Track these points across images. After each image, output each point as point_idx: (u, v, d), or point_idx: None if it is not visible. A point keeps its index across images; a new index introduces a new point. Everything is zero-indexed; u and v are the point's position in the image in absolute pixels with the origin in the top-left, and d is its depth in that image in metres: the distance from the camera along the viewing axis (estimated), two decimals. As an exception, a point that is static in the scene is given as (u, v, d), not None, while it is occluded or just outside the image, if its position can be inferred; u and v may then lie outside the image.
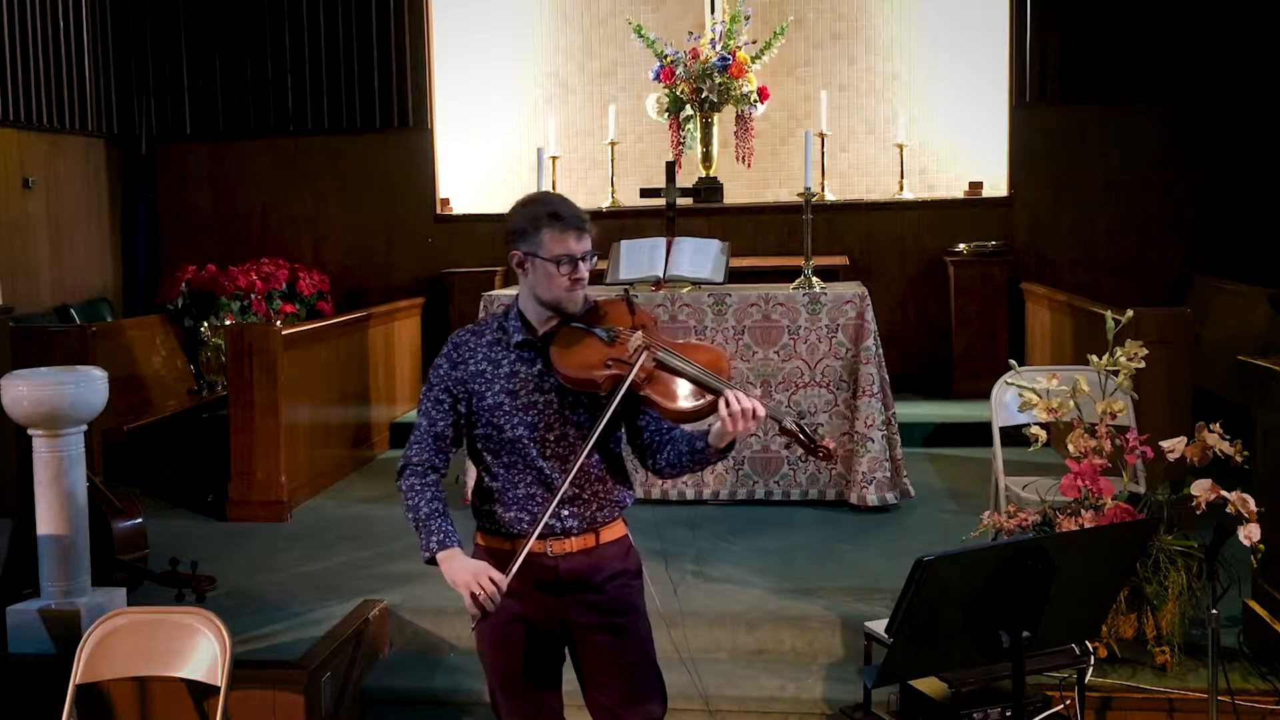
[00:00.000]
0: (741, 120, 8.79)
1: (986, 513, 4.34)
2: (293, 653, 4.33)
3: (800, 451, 3.04)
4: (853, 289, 6.27)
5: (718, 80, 8.64)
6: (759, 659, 4.53)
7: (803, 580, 4.98)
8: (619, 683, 3.07)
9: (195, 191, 9.70)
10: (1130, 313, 4.53)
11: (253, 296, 8.30)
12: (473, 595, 2.82)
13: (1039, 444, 4.20)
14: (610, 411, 2.91)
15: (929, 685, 3.61)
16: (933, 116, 9.21)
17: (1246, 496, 3.80)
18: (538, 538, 2.92)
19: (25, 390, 4.28)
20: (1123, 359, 4.26)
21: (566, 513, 3.00)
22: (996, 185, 9.15)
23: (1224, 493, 3.82)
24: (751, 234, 8.91)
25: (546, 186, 7.67)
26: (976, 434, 6.98)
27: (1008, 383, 4.75)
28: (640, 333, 2.99)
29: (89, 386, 4.36)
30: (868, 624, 4.04)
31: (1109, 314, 4.42)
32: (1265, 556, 3.89)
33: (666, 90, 8.82)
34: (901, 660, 2.78)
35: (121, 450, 6.84)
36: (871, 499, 5.97)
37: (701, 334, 6.16)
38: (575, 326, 3.01)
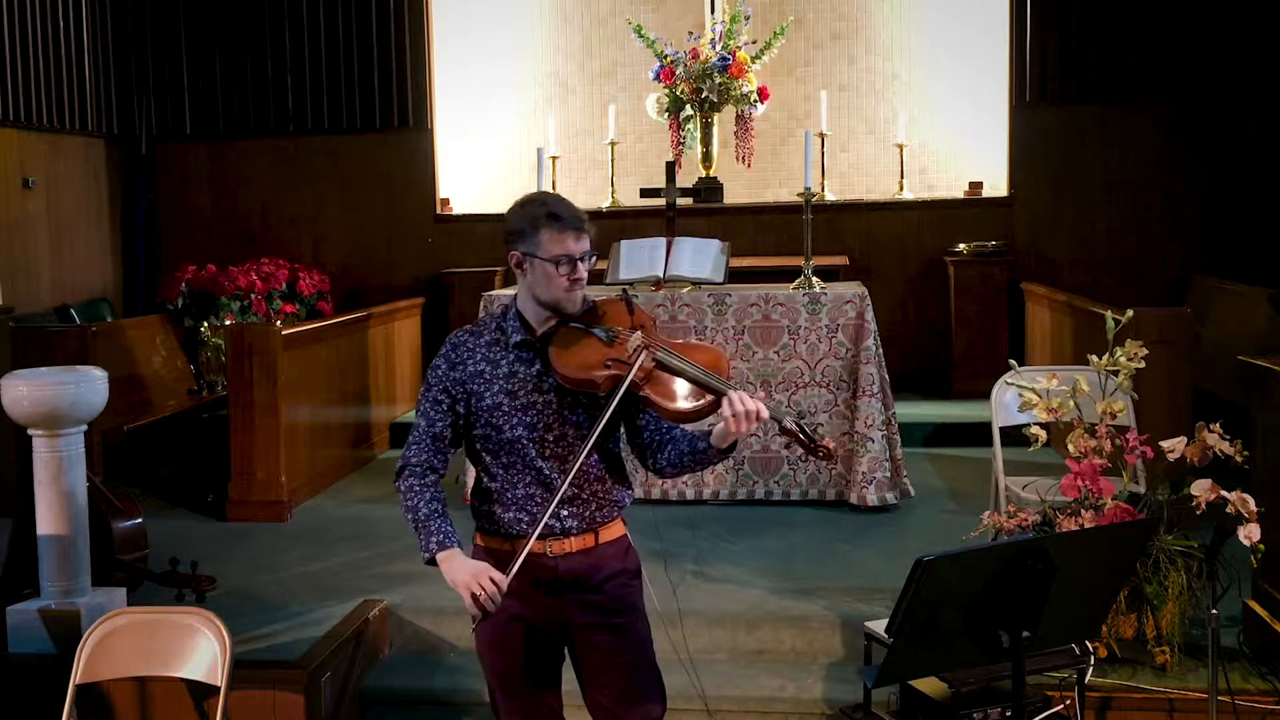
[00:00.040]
0: (741, 120, 8.79)
1: (986, 513, 4.34)
2: (293, 653, 4.33)
3: (800, 451, 3.04)
4: (853, 289, 6.27)
5: (718, 80, 8.64)
6: (759, 659, 4.53)
7: (803, 580, 4.98)
8: (618, 682, 3.07)
9: (195, 191, 9.70)
10: (1130, 313, 4.53)
11: (253, 296, 8.30)
12: (473, 596, 2.82)
13: (1039, 444, 4.20)
14: (609, 412, 2.90)
15: (929, 685, 3.61)
16: (933, 116, 9.21)
17: (1246, 496, 3.80)
18: (537, 538, 2.92)
19: (25, 390, 4.28)
20: (1123, 359, 4.26)
21: (566, 513, 3.00)
22: (996, 185, 9.15)
23: (1224, 493, 3.82)
24: (751, 234, 8.91)
25: (546, 186, 7.67)
26: (976, 434, 6.98)
27: (1008, 383, 4.75)
28: (639, 333, 2.98)
29: (89, 386, 4.36)
30: (868, 624, 4.04)
31: (1109, 314, 4.42)
32: (1265, 556, 3.89)
33: (666, 90, 8.82)
34: (901, 660, 2.78)
35: (121, 450, 6.84)
36: (871, 499, 5.97)
37: (701, 334, 6.16)
38: (574, 327, 3.01)
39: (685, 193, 7.70)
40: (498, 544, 3.04)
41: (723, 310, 6.20)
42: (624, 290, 3.40)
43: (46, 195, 8.54)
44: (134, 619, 3.72)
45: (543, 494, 2.99)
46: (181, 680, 3.82)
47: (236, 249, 9.31)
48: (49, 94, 8.58)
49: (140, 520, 5.08)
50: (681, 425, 3.03)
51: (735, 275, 6.60)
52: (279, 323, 7.61)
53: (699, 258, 6.33)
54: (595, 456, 3.00)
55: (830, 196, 8.87)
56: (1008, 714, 3.49)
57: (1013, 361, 4.76)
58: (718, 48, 8.74)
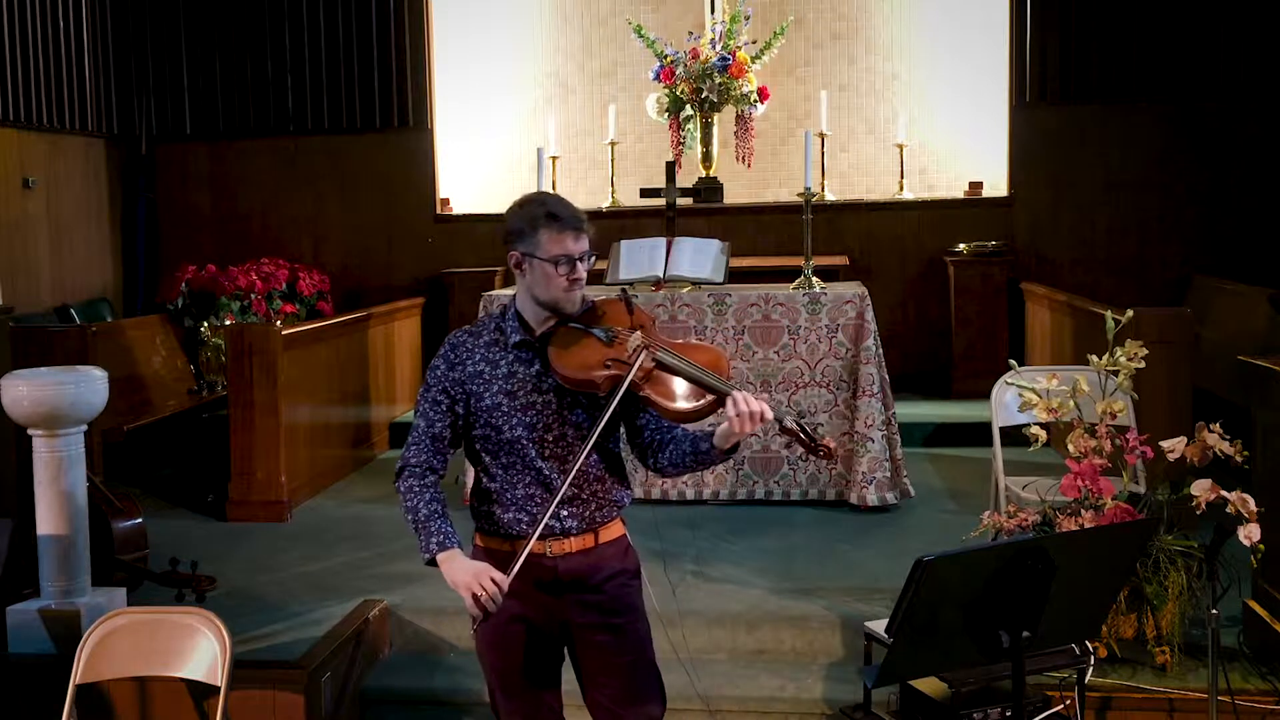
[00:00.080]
0: (741, 120, 8.79)
1: (986, 513, 4.34)
2: (293, 653, 4.33)
3: (800, 451, 3.05)
4: (853, 289, 6.27)
5: (718, 80, 8.64)
6: (759, 659, 4.53)
7: (803, 580, 4.98)
8: (618, 682, 3.07)
9: (195, 191, 9.70)
10: (1130, 313, 4.53)
11: (253, 296, 8.30)
12: (474, 596, 2.82)
13: (1039, 444, 4.20)
14: (609, 412, 2.90)
15: (929, 685, 3.61)
16: (933, 116, 9.21)
17: (1246, 496, 3.80)
18: (537, 539, 2.91)
19: (25, 390, 4.28)
20: (1123, 359, 4.26)
21: (565, 513, 3.00)
22: (996, 185, 9.15)
23: (1224, 493, 3.82)
24: (751, 234, 8.91)
25: (546, 186, 7.67)
26: (976, 434, 6.98)
27: (1008, 383, 4.75)
28: (639, 333, 2.98)
29: (89, 386, 4.36)
30: (868, 624, 4.04)
31: (1109, 314, 4.42)
32: (1265, 556, 3.89)
33: (666, 90, 8.82)
34: (901, 660, 2.78)
35: (121, 450, 6.84)
36: (871, 499, 5.97)
37: (701, 334, 6.16)
38: (573, 327, 3.00)
39: (685, 193, 7.70)
40: (498, 544, 3.04)
41: (723, 310, 6.20)
42: (623, 290, 3.40)
43: (46, 195, 8.54)
44: (134, 619, 3.72)
45: (542, 494, 2.98)
46: (181, 680, 3.82)
47: (236, 249, 9.31)
48: (49, 94, 8.58)
49: (140, 520, 5.08)
50: (683, 425, 3.02)
51: (735, 275, 6.60)
52: (279, 323, 7.61)
53: (699, 258, 6.33)
54: (595, 456, 3.00)
55: (830, 196, 8.87)
56: (1008, 714, 3.49)
57: (1013, 361, 4.76)
58: (718, 48, 8.74)
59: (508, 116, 9.53)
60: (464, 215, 9.48)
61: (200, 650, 3.59)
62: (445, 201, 9.57)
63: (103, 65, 9.30)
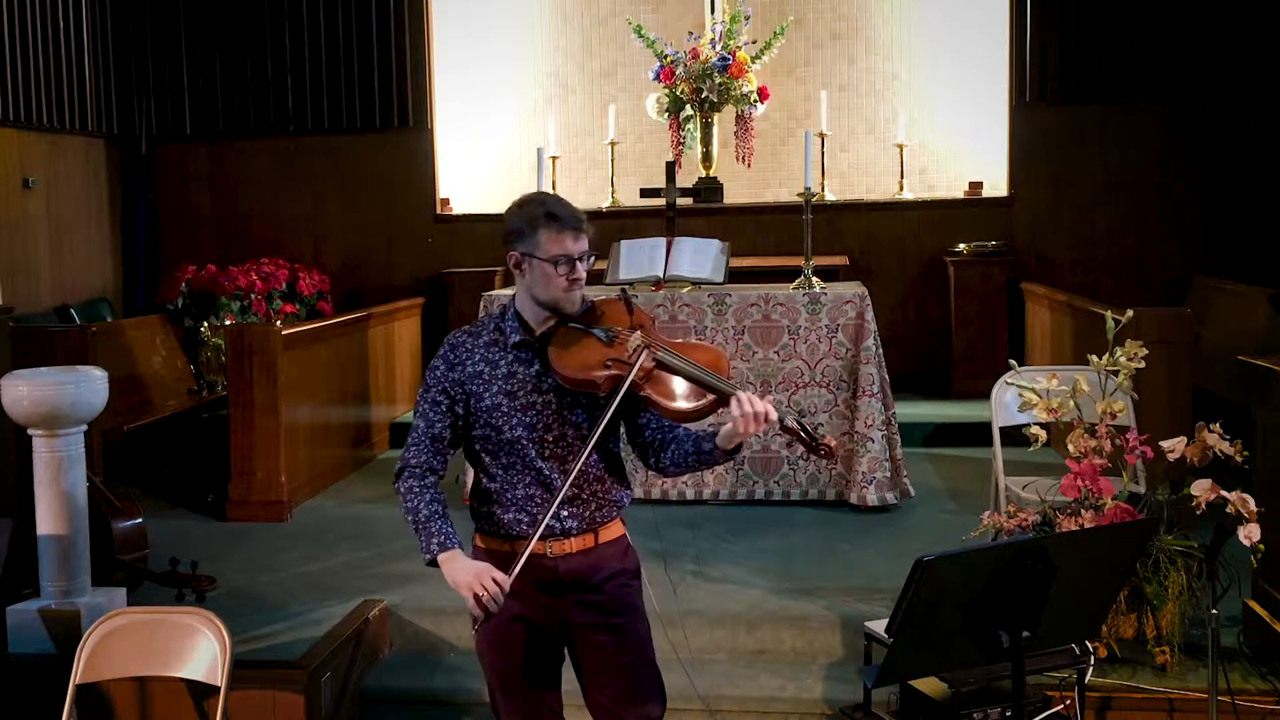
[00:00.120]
0: (741, 120, 8.79)
1: (986, 513, 4.34)
2: (293, 653, 4.33)
3: (801, 451, 3.04)
4: (853, 289, 6.27)
5: (718, 80, 8.64)
6: (759, 659, 4.53)
7: (803, 580, 4.97)
8: (618, 682, 3.07)
9: (195, 191, 9.70)
10: (1130, 313, 4.53)
11: (253, 296, 8.30)
12: (476, 596, 2.82)
13: (1039, 444, 4.20)
14: (610, 412, 2.90)
15: (929, 685, 3.61)
16: (933, 116, 9.21)
17: (1246, 496, 3.80)
18: (538, 539, 2.91)
19: (25, 390, 4.28)
20: (1123, 359, 4.26)
21: (566, 513, 3.00)
22: (996, 185, 9.15)
23: (1224, 493, 3.82)
24: (751, 234, 8.91)
25: (546, 186, 7.67)
26: (976, 434, 6.98)
27: (1008, 383, 4.75)
28: (639, 332, 2.98)
29: (89, 386, 4.36)
30: (868, 624, 4.04)
31: (1109, 314, 4.42)
32: (1265, 556, 3.89)
33: (666, 90, 8.82)
34: (901, 660, 2.78)
35: (121, 450, 6.84)
36: (871, 499, 5.97)
37: (701, 334, 6.16)
38: (573, 327, 3.00)
39: (685, 193, 7.70)
40: (498, 545, 3.04)
41: (723, 310, 6.20)
42: (623, 290, 3.40)
43: (46, 195, 8.54)
44: (134, 619, 3.72)
45: (542, 494, 2.98)
46: (181, 680, 3.82)
47: (236, 249, 9.31)
48: (49, 94, 8.58)
49: (140, 520, 5.08)
50: (684, 425, 3.02)
51: (735, 275, 6.60)
52: (279, 323, 7.61)
53: (699, 258, 6.33)
54: (595, 456, 3.00)
55: (830, 196, 8.86)
56: (1008, 714, 3.49)
57: (1013, 361, 4.76)
58: (718, 48, 8.74)
59: (508, 116, 9.54)
60: (464, 215, 9.48)
61: (200, 650, 3.59)
62: (445, 201, 9.57)
63: (103, 65, 9.30)
